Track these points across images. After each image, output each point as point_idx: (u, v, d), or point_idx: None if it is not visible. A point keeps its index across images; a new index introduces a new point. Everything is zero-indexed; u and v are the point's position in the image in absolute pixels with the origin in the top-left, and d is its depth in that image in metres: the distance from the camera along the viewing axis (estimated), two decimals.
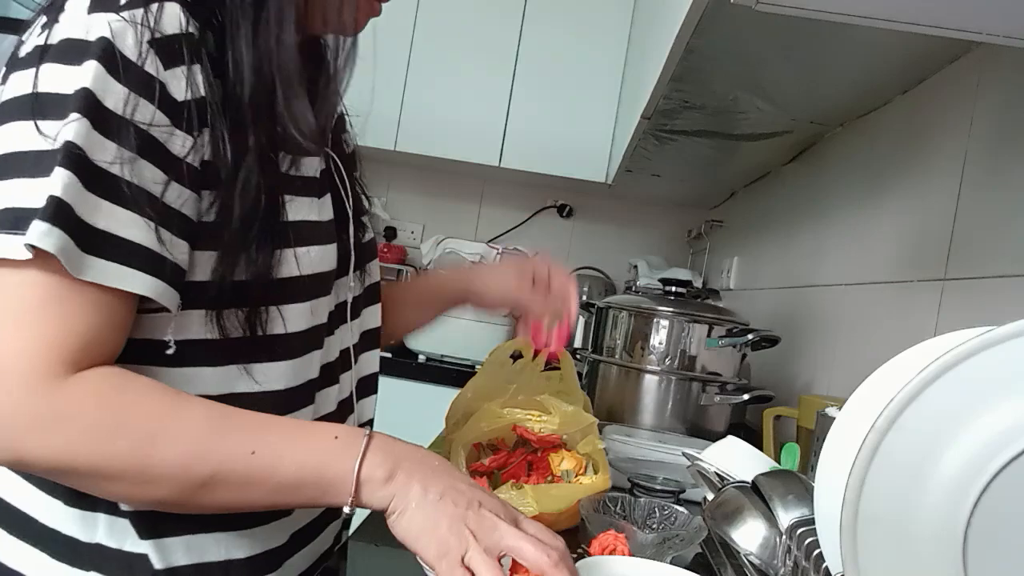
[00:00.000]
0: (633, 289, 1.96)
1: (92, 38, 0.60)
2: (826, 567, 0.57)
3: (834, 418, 0.59)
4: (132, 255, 0.59)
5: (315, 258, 0.75)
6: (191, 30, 0.63)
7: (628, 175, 2.50)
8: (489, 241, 3.12)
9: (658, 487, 1.12)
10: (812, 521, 0.64)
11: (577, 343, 2.37)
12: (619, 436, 1.34)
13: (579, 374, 1.28)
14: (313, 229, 0.75)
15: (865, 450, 0.47)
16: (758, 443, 1.25)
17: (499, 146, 2.80)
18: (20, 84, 0.60)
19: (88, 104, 0.58)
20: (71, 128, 0.57)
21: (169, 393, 0.61)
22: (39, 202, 0.55)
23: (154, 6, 0.62)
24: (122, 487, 0.59)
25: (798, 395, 1.40)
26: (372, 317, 0.94)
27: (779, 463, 1.03)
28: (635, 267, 2.89)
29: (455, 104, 2.80)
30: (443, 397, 1.21)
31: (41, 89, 0.59)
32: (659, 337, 1.51)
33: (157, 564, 0.68)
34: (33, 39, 0.62)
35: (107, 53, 0.59)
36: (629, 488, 1.12)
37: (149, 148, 0.60)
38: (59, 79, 0.59)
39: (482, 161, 2.80)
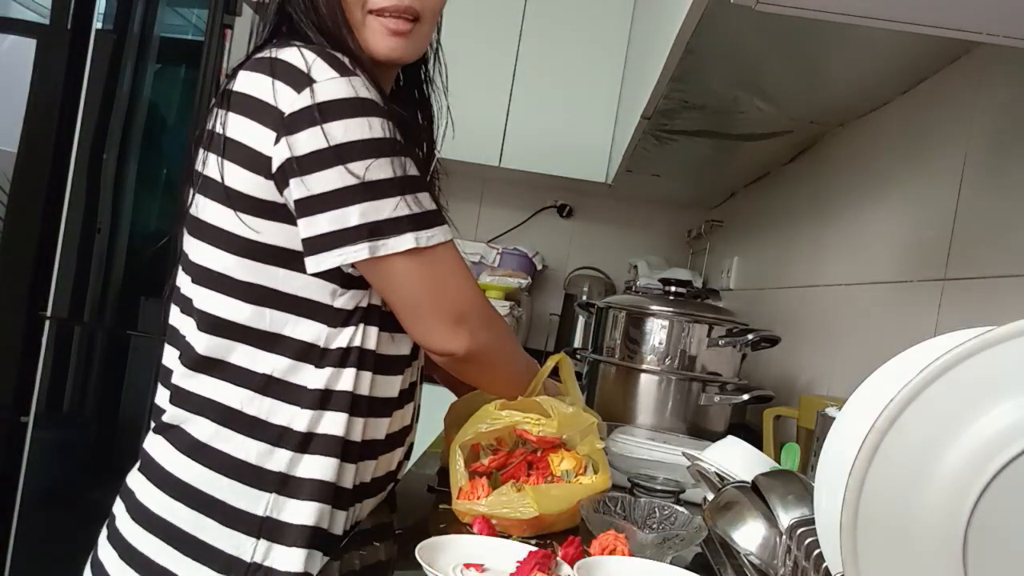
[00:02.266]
0: (633, 289, 1.96)
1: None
2: (826, 567, 0.57)
3: (834, 418, 0.59)
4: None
5: None
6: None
7: (628, 175, 2.50)
8: (489, 241, 3.12)
9: (658, 487, 1.12)
10: (812, 521, 0.64)
11: (577, 343, 2.38)
12: (619, 436, 1.34)
13: (578, 374, 1.28)
14: None
15: (865, 450, 0.47)
16: (758, 443, 1.25)
17: (499, 146, 2.80)
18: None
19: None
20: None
21: None
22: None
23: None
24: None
25: (798, 395, 1.40)
26: None
27: (779, 463, 1.03)
28: (635, 267, 2.89)
29: (455, 104, 2.79)
30: (443, 397, 1.21)
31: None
32: (659, 337, 1.51)
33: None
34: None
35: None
36: (629, 488, 1.12)
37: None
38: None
39: (482, 161, 2.80)
